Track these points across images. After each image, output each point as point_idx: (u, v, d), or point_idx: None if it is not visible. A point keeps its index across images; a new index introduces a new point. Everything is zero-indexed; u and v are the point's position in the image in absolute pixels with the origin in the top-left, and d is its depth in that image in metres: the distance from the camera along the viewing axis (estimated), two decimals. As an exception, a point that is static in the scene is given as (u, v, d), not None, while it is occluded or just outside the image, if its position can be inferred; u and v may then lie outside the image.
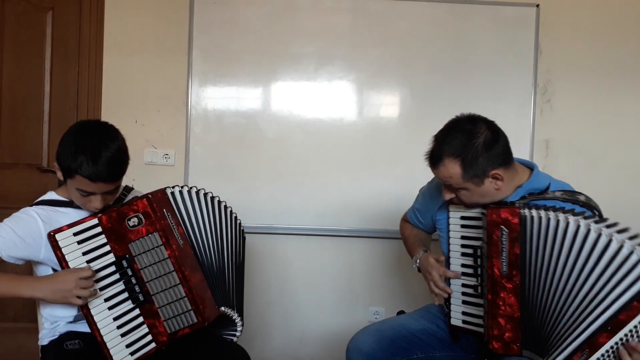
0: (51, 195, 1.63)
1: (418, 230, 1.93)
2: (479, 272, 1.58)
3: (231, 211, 1.79)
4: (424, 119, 2.64)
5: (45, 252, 1.52)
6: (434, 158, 1.55)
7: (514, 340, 1.49)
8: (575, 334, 1.36)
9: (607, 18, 2.70)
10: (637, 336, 1.30)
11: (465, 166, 1.49)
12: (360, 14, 2.64)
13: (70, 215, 1.58)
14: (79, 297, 1.45)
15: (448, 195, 1.59)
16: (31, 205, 1.59)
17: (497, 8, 2.65)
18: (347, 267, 2.75)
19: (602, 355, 1.33)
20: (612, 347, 1.32)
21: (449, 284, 1.67)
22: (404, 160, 2.64)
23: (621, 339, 1.31)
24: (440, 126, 1.56)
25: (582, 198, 1.55)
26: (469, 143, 1.48)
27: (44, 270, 1.60)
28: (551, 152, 2.70)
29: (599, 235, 1.32)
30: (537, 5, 2.65)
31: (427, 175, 1.66)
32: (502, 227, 1.46)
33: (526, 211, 1.44)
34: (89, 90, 2.68)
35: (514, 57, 2.66)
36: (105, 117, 2.65)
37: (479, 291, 1.58)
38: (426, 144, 1.54)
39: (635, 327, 1.30)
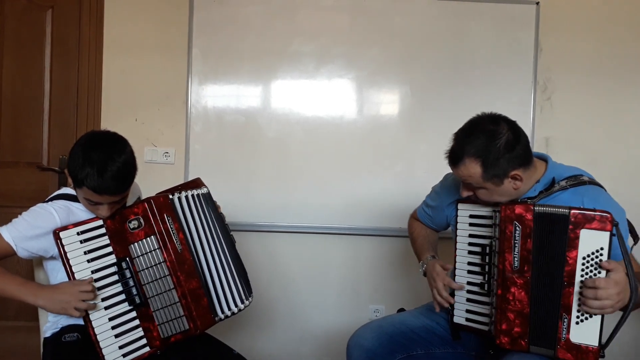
0: (66, 190, 1.66)
1: (427, 230, 1.93)
2: (486, 269, 1.59)
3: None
4: (424, 116, 2.63)
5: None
6: (455, 157, 1.53)
7: (522, 336, 1.51)
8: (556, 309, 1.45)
9: (608, 15, 2.70)
10: (591, 270, 1.41)
11: (486, 167, 1.49)
12: (360, 12, 2.64)
13: (85, 210, 1.60)
14: (77, 309, 1.48)
15: (466, 193, 1.59)
16: (46, 201, 1.62)
17: (497, 6, 2.65)
18: (347, 265, 2.75)
19: (578, 310, 1.42)
20: (579, 298, 1.41)
21: (452, 294, 1.68)
22: (404, 158, 2.63)
23: (580, 286, 1.41)
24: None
25: (586, 179, 1.59)
26: (491, 144, 1.48)
27: (53, 266, 1.62)
28: (551, 150, 2.69)
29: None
30: (537, 3, 2.65)
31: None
32: (516, 222, 1.49)
33: (540, 208, 1.47)
34: (89, 89, 2.68)
35: (514, 54, 2.66)
36: (105, 115, 2.66)
37: (485, 289, 1.59)
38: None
39: (583, 264, 1.41)
